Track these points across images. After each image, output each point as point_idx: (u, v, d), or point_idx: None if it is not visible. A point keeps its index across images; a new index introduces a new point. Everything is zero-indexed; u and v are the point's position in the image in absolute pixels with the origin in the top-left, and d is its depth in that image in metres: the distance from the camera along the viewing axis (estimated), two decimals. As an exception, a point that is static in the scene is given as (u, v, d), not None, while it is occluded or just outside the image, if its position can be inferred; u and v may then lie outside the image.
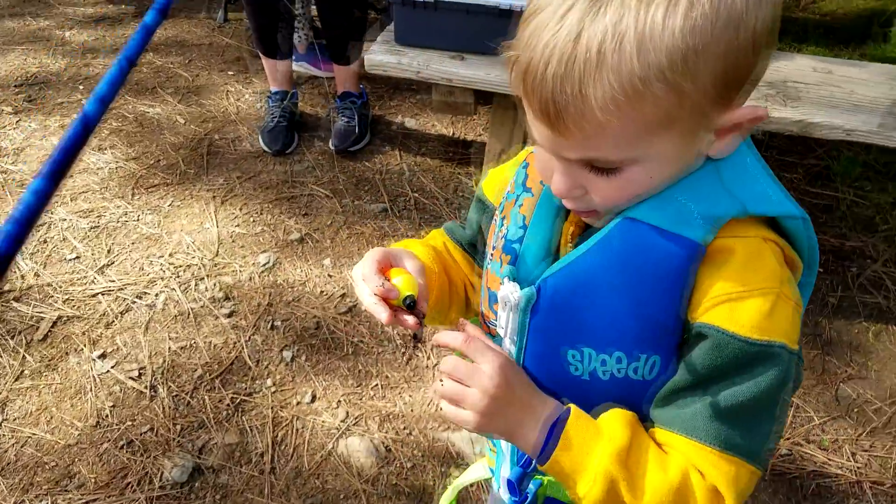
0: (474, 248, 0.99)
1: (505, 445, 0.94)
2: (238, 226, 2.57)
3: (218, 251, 2.46)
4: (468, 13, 2.30)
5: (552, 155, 0.72)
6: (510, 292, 0.79)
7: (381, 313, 0.80)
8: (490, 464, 1.03)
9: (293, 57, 3.16)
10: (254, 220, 2.60)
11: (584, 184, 0.72)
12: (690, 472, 0.72)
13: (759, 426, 0.73)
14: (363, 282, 0.82)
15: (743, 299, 0.70)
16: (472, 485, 1.59)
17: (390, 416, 1.94)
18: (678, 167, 0.72)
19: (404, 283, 0.82)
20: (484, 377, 0.75)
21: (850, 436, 1.92)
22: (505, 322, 0.81)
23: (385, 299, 0.81)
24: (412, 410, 1.96)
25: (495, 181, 0.94)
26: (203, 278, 2.34)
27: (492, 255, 0.86)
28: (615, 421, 0.74)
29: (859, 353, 2.16)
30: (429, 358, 2.10)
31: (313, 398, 1.98)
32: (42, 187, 0.53)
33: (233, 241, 2.50)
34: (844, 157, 2.90)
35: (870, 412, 1.98)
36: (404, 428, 1.91)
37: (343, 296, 2.31)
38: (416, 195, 2.71)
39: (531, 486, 0.88)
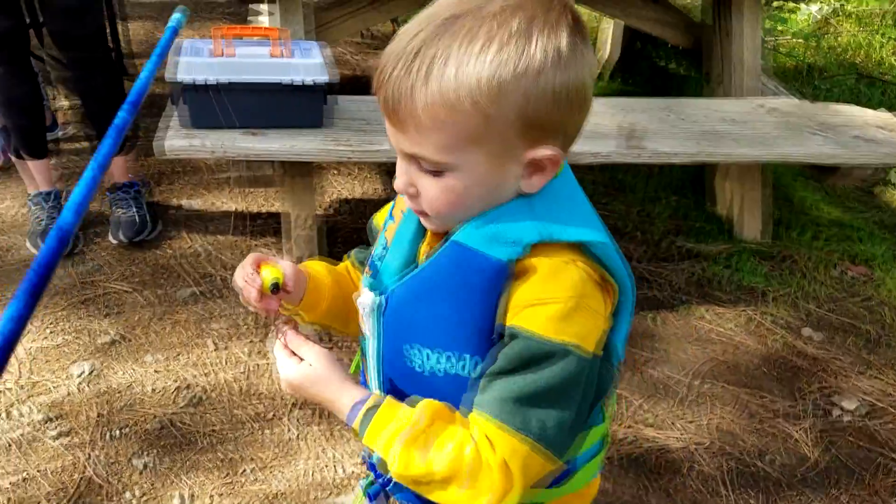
0: None
1: None
2: (36, 340, 2.36)
3: (22, 372, 2.24)
4: (258, 92, 2.36)
5: (397, 151, 0.89)
6: (365, 298, 0.98)
7: (251, 292, 1.00)
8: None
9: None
10: (52, 332, 2.40)
11: (415, 182, 0.88)
12: (481, 446, 0.86)
13: (549, 414, 0.86)
14: (237, 275, 1.03)
15: (541, 305, 0.85)
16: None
17: (273, 497, 1.92)
18: (489, 188, 0.87)
19: (270, 272, 1.01)
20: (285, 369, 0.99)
21: (668, 409, 2.27)
22: (366, 323, 1.01)
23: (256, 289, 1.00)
24: (292, 486, 1.95)
25: (383, 214, 1.10)
26: (14, 404, 2.12)
27: (365, 271, 1.05)
28: (421, 405, 0.91)
29: (649, 338, 2.55)
30: (289, 430, 2.11)
31: (183, 500, 1.90)
32: (19, 312, 0.52)
33: (35, 358, 2.29)
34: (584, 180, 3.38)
35: (673, 386, 2.36)
36: (288, 504, 1.91)
37: (178, 388, 2.22)
38: (223, 273, 2.68)
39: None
